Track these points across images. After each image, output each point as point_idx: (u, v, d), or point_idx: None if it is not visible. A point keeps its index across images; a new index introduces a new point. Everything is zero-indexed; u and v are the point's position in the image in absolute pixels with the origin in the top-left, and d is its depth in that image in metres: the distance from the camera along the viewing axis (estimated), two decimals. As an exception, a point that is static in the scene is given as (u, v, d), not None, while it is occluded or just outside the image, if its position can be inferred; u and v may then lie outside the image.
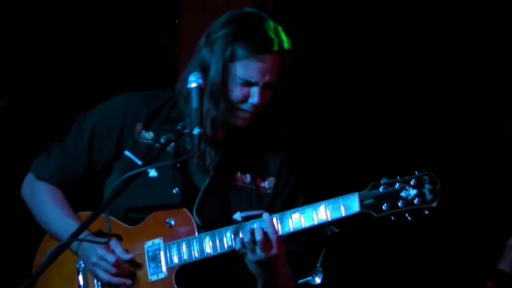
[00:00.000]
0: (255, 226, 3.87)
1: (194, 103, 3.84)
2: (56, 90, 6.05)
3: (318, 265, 5.06)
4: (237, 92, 4.01)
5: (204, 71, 4.02)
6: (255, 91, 4.00)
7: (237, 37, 4.00)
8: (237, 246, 3.88)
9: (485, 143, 5.96)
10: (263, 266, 3.89)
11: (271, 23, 4.06)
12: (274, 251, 3.84)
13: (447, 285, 5.99)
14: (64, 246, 3.62)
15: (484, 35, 5.99)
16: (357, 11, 6.12)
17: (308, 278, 5.01)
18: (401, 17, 6.08)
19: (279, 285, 4.00)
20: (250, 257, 3.87)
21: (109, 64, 6.15)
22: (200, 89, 3.88)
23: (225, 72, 4.00)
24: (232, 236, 3.91)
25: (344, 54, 6.08)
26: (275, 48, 4.01)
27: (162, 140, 4.09)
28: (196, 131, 3.77)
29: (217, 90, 4.00)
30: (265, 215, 3.87)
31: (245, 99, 4.02)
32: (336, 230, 5.03)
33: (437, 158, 5.80)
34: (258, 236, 3.82)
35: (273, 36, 4.02)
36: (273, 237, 3.83)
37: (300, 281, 4.27)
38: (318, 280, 5.03)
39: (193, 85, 3.88)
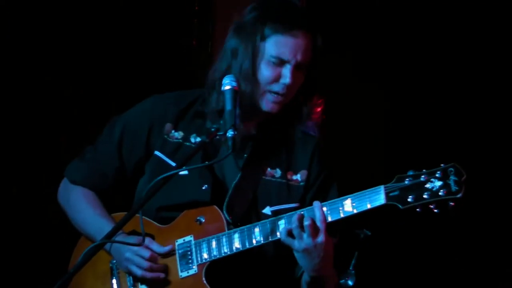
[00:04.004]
0: (303, 212, 3.84)
1: (228, 105, 3.82)
2: (88, 89, 6.11)
3: (350, 268, 5.07)
4: (268, 72, 3.97)
5: (235, 56, 4.01)
6: (287, 71, 3.96)
7: (266, 17, 3.97)
8: (282, 236, 3.84)
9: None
10: (311, 254, 3.82)
11: (301, 4, 4.05)
12: (321, 237, 3.79)
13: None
14: (99, 246, 3.66)
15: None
16: (385, 13, 6.13)
17: (341, 281, 5.01)
18: (423, 26, 6.09)
19: (327, 280, 3.95)
20: (297, 245, 3.82)
21: (142, 64, 6.19)
22: (234, 91, 3.86)
23: (255, 52, 3.97)
24: (262, 230, 3.89)
25: (371, 47, 6.08)
26: (307, 26, 3.98)
27: (192, 139, 4.15)
28: (230, 133, 3.75)
29: (247, 72, 3.96)
30: (316, 203, 3.83)
31: (277, 79, 3.98)
32: (369, 233, 5.04)
33: (462, 152, 5.77)
34: (306, 221, 3.78)
35: (304, 14, 4.00)
36: (321, 225, 3.80)
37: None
38: (351, 283, 5.04)
39: (227, 87, 3.87)
